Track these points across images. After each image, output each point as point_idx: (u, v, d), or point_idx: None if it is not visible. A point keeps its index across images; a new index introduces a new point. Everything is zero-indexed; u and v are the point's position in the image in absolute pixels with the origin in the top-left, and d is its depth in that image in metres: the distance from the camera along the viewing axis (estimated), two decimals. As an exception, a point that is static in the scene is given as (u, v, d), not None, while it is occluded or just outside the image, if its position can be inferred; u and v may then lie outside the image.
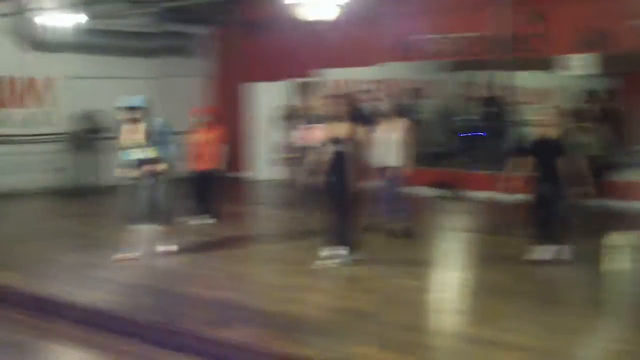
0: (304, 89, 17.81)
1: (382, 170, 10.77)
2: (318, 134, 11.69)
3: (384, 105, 11.31)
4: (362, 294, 8.09)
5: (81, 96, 16.83)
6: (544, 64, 16.03)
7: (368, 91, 16.12)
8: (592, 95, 12.77)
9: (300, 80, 17.97)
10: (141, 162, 9.70)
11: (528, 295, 8.00)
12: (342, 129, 9.16)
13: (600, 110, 13.11)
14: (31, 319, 7.94)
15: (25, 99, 16.96)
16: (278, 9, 12.66)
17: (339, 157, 9.10)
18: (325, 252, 9.34)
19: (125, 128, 9.75)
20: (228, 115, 14.37)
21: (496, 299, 7.78)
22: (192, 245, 10.59)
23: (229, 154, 13.11)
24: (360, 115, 10.21)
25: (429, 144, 17.85)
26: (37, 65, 16.72)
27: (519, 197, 13.07)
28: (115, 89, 17.52)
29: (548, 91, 17.80)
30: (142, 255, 9.81)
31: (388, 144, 10.68)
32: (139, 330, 7.19)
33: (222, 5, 15.92)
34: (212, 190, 12.45)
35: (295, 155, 15.62)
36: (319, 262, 9.28)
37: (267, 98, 17.89)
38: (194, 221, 12.24)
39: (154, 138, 9.66)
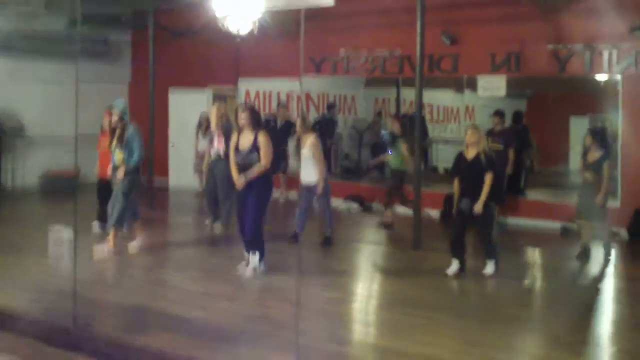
0: (219, 98, 17.88)
1: (301, 183, 10.93)
2: (219, 143, 11.83)
3: (298, 119, 11.45)
4: (278, 303, 8.22)
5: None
6: (455, 84, 16.51)
7: (283, 105, 16.31)
8: (500, 115, 13.21)
9: (216, 89, 18.05)
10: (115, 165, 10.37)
11: (444, 309, 8.20)
12: (247, 139, 9.27)
13: (509, 131, 13.58)
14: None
15: None
16: (198, 17, 12.70)
17: (247, 167, 9.22)
18: (245, 260, 9.50)
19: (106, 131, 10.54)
20: (146, 122, 14.28)
21: (412, 312, 7.96)
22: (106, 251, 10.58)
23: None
24: (266, 126, 10.33)
25: (342, 158, 18.17)
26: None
27: (431, 212, 13.57)
28: (28, 92, 17.34)
29: (458, 110, 18.37)
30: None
31: (304, 159, 10.89)
32: (53, 334, 7.17)
33: (142, 11, 15.86)
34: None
35: (204, 164, 15.72)
36: (239, 268, 9.47)
37: (186, 106, 17.88)
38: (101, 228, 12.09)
39: (126, 143, 10.18)
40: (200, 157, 15.30)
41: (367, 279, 10.07)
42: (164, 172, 18.12)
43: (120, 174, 10.28)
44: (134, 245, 10.71)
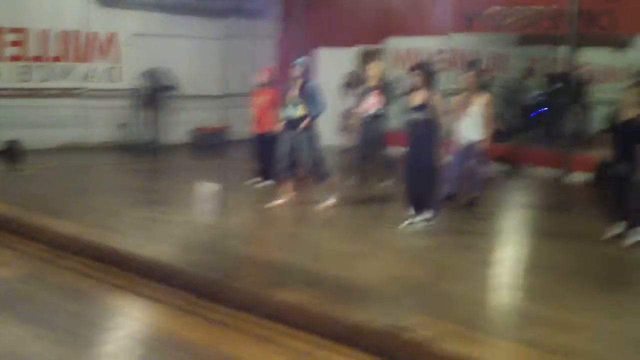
0: (369, 56, 17.76)
1: (462, 142, 10.76)
2: (372, 102, 11.87)
3: (459, 77, 11.24)
4: (426, 264, 8.10)
5: (147, 53, 16.97)
6: (614, 42, 15.73)
7: (439, 61, 15.98)
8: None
9: (365, 47, 17.92)
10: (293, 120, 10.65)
11: (595, 276, 7.86)
12: (420, 98, 9.27)
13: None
14: (94, 269, 8.13)
15: (91, 53, 17.12)
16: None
17: (420, 125, 9.21)
18: (410, 217, 9.51)
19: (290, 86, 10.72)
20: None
21: (561, 278, 7.67)
22: (255, 206, 10.76)
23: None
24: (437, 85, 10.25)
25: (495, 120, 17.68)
26: (103, 21, 16.88)
27: (584, 176, 13.02)
28: (181, 48, 17.77)
29: (617, 70, 17.50)
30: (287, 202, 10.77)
31: (470, 118, 10.65)
32: (197, 286, 7.33)
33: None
34: (271, 153, 12.44)
35: (354, 122, 15.68)
36: (404, 225, 9.48)
37: (333, 64, 17.82)
38: (259, 183, 12.38)
39: (309, 96, 10.52)
40: (346, 115, 15.33)
41: (512, 242, 9.78)
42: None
43: (305, 124, 10.53)
44: (323, 200, 10.89)
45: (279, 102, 12.07)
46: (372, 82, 12.23)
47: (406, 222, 9.51)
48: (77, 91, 16.73)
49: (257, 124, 12.42)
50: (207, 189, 7.51)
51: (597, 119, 17.19)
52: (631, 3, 13.49)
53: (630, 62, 16.08)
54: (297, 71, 10.64)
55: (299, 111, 10.53)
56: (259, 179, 12.46)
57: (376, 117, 12.13)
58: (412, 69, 9.67)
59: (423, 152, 9.23)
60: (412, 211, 9.52)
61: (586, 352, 5.56)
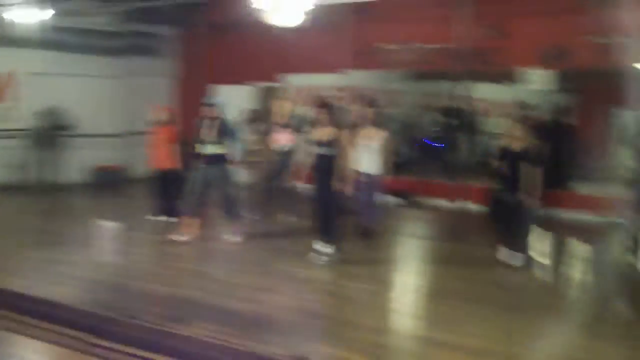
0: (268, 93, 17.98)
1: (360, 175, 11.00)
2: (284, 137, 12.14)
3: (358, 113, 11.52)
4: (323, 296, 8.26)
5: (45, 93, 16.73)
6: (504, 77, 16.36)
7: (338, 98, 16.30)
8: (548, 109, 13.11)
9: (264, 84, 18.12)
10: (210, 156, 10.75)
11: (489, 301, 8.17)
12: (326, 133, 9.57)
13: (556, 125, 13.46)
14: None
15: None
16: (244, 12, 12.76)
17: (324, 160, 9.50)
18: (317, 247, 9.76)
19: (204, 124, 10.81)
20: (192, 117, 14.43)
21: (456, 304, 7.94)
22: (157, 243, 10.75)
23: (184, 154, 13.33)
24: (343, 121, 10.54)
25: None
26: (0, 60, 16.61)
27: (475, 206, 13.45)
28: (79, 86, 17.61)
29: (507, 104, 18.15)
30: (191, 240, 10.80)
31: (368, 151, 10.90)
32: (99, 326, 7.26)
33: (188, 6, 15.99)
34: (171, 190, 12.51)
35: (256, 158, 15.88)
36: (313, 255, 9.71)
37: (232, 101, 17.94)
38: (158, 219, 12.40)
39: (225, 135, 10.72)
40: (250, 152, 15.54)
41: (410, 270, 10.05)
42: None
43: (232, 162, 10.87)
44: (231, 237, 11.00)
45: (176, 139, 12.29)
46: (280, 119, 12.52)
47: (313, 254, 9.69)
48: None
49: (155, 162, 12.48)
50: (107, 228, 7.47)
51: (491, 151, 17.83)
52: (520, 41, 14.08)
53: (519, 96, 16.75)
54: (214, 110, 10.82)
55: (219, 149, 10.68)
56: (160, 216, 12.47)
57: (286, 153, 12.36)
58: (319, 105, 9.93)
59: (328, 187, 9.48)
60: (318, 244, 9.70)
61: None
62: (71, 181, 16.88)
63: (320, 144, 9.62)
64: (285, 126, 12.51)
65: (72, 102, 16.97)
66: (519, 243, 9.66)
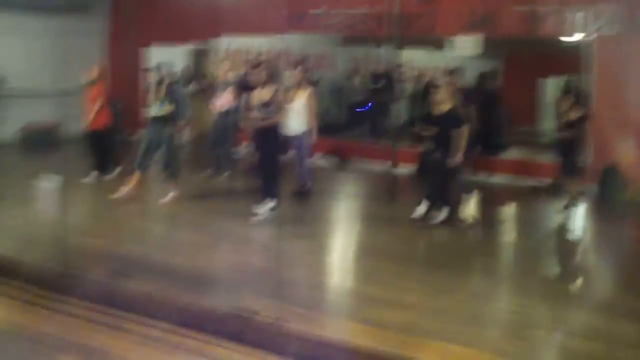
0: (202, 54, 18.03)
1: (290, 137, 11.25)
2: (225, 98, 12.30)
3: (287, 74, 11.72)
4: (266, 252, 8.51)
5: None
6: (432, 43, 16.71)
7: (267, 60, 16.45)
8: (474, 76, 13.55)
9: (198, 45, 18.13)
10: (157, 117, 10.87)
11: (414, 257, 8.62)
12: (266, 94, 9.73)
13: (481, 90, 13.94)
14: None
15: None
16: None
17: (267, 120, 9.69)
18: (258, 208, 9.93)
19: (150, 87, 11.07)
20: (125, 77, 14.45)
21: (385, 260, 8.30)
22: (95, 201, 10.88)
23: (120, 114, 13.40)
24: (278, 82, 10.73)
25: (321, 115, 18.32)
26: None
27: (403, 169, 13.85)
28: (10, 45, 17.35)
29: (434, 69, 18.52)
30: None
31: (295, 112, 11.12)
32: (43, 279, 7.43)
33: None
34: (103, 147, 12.65)
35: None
36: (254, 218, 9.86)
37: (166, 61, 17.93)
38: (90, 178, 12.48)
39: (172, 96, 10.81)
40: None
41: (344, 230, 10.39)
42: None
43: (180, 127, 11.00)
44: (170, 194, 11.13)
45: (107, 98, 12.42)
46: (220, 79, 12.68)
47: (254, 214, 9.93)
48: None
49: (88, 120, 12.50)
50: (44, 185, 7.54)
51: (416, 115, 18.25)
52: (448, 7, 14.43)
53: (446, 61, 17.13)
54: (162, 72, 10.93)
55: (165, 110, 10.78)
56: (94, 173, 12.54)
57: (228, 113, 12.57)
58: (255, 66, 10.07)
59: (269, 147, 9.71)
60: (259, 204, 9.96)
61: (417, 327, 6.14)
62: (2, 140, 16.72)
63: (261, 105, 9.76)
64: (225, 87, 12.64)
65: (2, 61, 16.75)
66: (444, 200, 10.10)
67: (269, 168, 9.85)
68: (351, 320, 6.36)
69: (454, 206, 10.15)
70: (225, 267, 7.86)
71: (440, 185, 10.17)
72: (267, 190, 9.92)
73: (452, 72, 13.43)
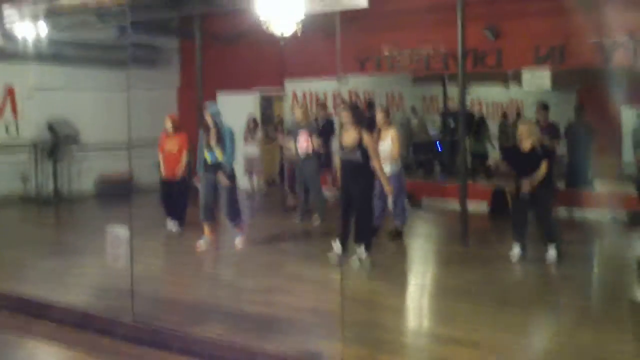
0: (270, 100, 18.25)
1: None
2: (304, 143, 12.36)
3: (381, 113, 11.61)
4: (335, 296, 8.39)
5: (47, 107, 16.97)
6: (501, 79, 16.56)
7: (322, 104, 16.53)
8: (544, 108, 13.32)
9: (265, 91, 18.36)
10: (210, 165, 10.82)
11: (493, 298, 8.29)
12: (351, 137, 9.57)
13: (580, 123, 13.81)
14: (13, 319, 8.16)
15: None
16: (243, 22, 12.96)
17: (353, 164, 9.48)
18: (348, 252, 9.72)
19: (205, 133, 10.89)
20: (194, 127, 14.64)
21: (460, 301, 8.08)
22: (167, 250, 10.98)
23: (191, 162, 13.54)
24: (367, 124, 10.65)
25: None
26: (1, 75, 16.78)
27: (478, 206, 13.63)
28: (82, 100, 17.83)
29: (505, 105, 18.36)
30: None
31: (383, 152, 10.90)
32: (113, 330, 7.48)
33: (189, 18, 16.18)
34: (179, 198, 12.70)
35: (255, 166, 16.25)
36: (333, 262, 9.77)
37: (232, 109, 18.17)
38: (167, 227, 12.65)
39: (222, 143, 10.70)
40: (251, 160, 15.94)
41: (417, 271, 10.23)
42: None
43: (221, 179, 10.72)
44: (239, 240, 11.14)
45: (184, 147, 12.42)
46: (301, 123, 12.78)
47: (335, 258, 9.79)
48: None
49: (165, 170, 12.61)
50: (116, 237, 7.61)
51: (490, 151, 18.05)
52: (515, 42, 14.28)
53: (515, 96, 16.94)
54: (209, 118, 10.83)
55: (218, 157, 10.74)
56: (170, 223, 12.65)
57: (307, 157, 12.67)
58: (345, 108, 9.99)
59: (360, 191, 9.51)
60: (339, 247, 9.78)
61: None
62: (78, 192, 17.10)
63: (348, 147, 9.60)
64: (304, 130, 12.70)
65: (74, 115, 17.22)
66: (549, 237, 9.78)
67: (363, 212, 9.60)
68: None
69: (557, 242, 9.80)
70: (298, 312, 7.77)
71: (540, 222, 9.88)
72: (363, 235, 9.67)
73: (542, 107, 13.28)
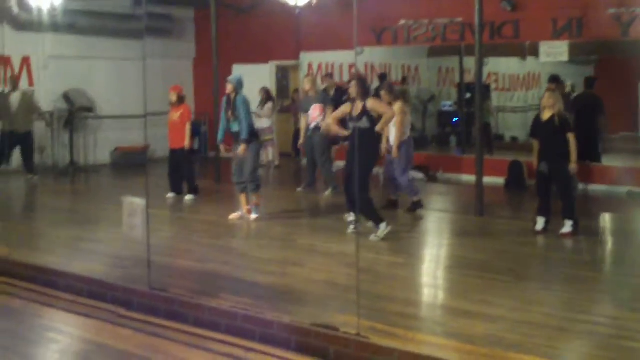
0: (286, 70, 18.18)
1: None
2: (314, 115, 12.33)
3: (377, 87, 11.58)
4: (348, 269, 8.37)
5: (63, 76, 16.97)
6: (518, 51, 16.40)
7: (328, 75, 16.46)
8: (556, 81, 13.23)
9: (281, 63, 18.31)
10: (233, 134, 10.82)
11: (510, 271, 8.22)
12: (359, 108, 9.54)
13: (588, 95, 13.65)
14: (24, 289, 8.21)
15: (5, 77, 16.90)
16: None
17: (360, 131, 9.33)
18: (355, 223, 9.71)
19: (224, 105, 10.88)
20: (210, 98, 14.66)
21: (475, 274, 8.03)
22: (181, 220, 11.10)
23: (204, 135, 13.55)
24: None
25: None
26: (16, 44, 16.76)
27: (497, 179, 13.59)
28: (98, 69, 17.82)
29: (522, 77, 18.21)
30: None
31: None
32: (127, 299, 7.51)
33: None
34: (186, 168, 12.80)
35: (270, 137, 16.23)
36: (350, 231, 9.82)
37: (248, 80, 18.12)
38: (173, 197, 12.73)
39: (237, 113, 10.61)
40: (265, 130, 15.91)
41: (432, 243, 10.21)
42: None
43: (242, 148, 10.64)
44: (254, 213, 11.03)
45: (187, 118, 12.56)
46: (309, 94, 12.81)
47: (350, 228, 9.84)
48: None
49: (170, 140, 12.71)
50: (130, 206, 7.61)
51: (508, 124, 17.96)
52: (533, 13, 14.15)
53: (533, 69, 16.79)
54: (229, 87, 10.78)
55: (236, 126, 10.69)
56: (176, 193, 12.75)
57: (317, 128, 12.60)
58: (353, 79, 9.98)
59: (366, 161, 9.41)
60: (352, 217, 9.80)
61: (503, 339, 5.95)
62: (93, 162, 17.16)
63: (356, 117, 9.54)
64: (316, 101, 12.68)
65: (91, 85, 17.21)
66: (568, 211, 9.67)
67: (360, 179, 9.42)
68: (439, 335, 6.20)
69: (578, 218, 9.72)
70: (312, 284, 7.76)
71: (561, 197, 9.78)
72: (369, 209, 9.68)
73: (556, 79, 13.18)
